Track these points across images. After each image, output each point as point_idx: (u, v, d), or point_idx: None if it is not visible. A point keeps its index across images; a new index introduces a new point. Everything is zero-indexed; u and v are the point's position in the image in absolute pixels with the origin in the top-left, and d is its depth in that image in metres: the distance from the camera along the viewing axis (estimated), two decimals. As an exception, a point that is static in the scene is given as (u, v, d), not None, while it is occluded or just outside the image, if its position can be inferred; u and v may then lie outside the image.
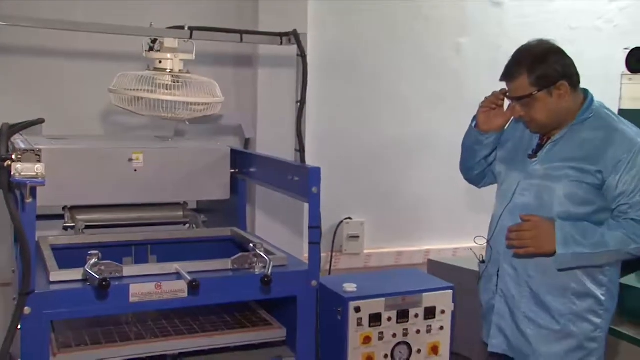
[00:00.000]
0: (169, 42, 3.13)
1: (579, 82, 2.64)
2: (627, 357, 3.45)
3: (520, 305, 2.69)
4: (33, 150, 2.20)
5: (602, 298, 2.63)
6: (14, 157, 2.15)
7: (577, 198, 2.56)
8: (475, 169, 3.00)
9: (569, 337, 2.63)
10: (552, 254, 2.52)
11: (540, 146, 2.72)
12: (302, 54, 3.95)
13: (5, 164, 2.14)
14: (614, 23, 5.30)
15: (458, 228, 4.99)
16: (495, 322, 2.78)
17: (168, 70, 3.08)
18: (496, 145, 2.88)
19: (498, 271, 2.76)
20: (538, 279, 2.64)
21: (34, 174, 2.14)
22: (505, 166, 2.86)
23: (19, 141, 2.67)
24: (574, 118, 2.62)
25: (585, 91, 2.68)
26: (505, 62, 2.65)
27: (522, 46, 2.66)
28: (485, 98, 2.82)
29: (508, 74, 2.63)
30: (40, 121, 2.74)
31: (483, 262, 2.92)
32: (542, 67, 2.54)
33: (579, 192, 2.56)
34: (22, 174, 2.12)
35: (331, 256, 4.66)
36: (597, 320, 2.64)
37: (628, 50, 2.82)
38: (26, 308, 2.21)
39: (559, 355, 2.65)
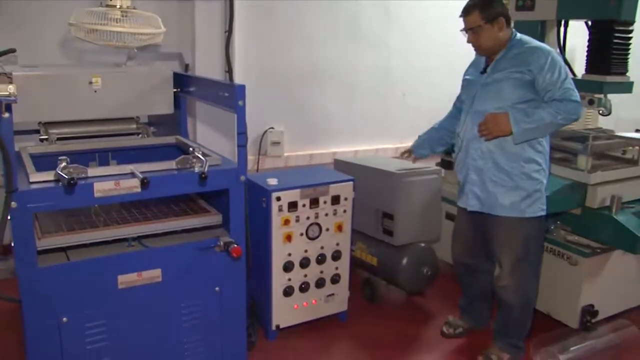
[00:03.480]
0: (118, -18, 3.07)
1: (510, 22, 3.04)
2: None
3: (487, 173, 3.05)
4: (5, 74, 2.21)
5: (541, 161, 3.02)
6: (-11, 80, 2.15)
7: (519, 92, 2.94)
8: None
9: (521, 190, 3.01)
10: (510, 133, 2.90)
11: (486, 66, 3.08)
12: (230, -10, 3.92)
13: (-17, 86, 2.14)
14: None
15: (357, 135, 5.23)
16: (471, 189, 3.14)
17: (118, 7, 3.02)
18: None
19: (468, 153, 3.12)
20: (498, 153, 3.01)
21: (7, 93, 2.16)
22: (464, 92, 3.24)
23: (-5, 68, 2.59)
24: (506, 45, 3.01)
25: (512, 29, 3.04)
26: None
27: None
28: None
29: (465, 11, 3.00)
30: (12, 50, 2.64)
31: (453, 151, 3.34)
32: (488, 7, 2.94)
33: (519, 87, 2.94)
34: (-2, 93, 2.13)
35: (258, 158, 4.78)
36: (538, 177, 3.02)
37: None
38: (13, 203, 2.26)
39: (516, 202, 3.02)
